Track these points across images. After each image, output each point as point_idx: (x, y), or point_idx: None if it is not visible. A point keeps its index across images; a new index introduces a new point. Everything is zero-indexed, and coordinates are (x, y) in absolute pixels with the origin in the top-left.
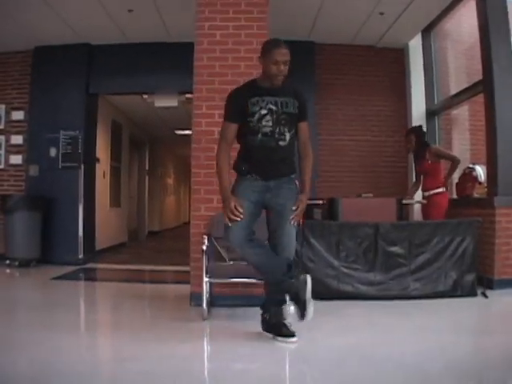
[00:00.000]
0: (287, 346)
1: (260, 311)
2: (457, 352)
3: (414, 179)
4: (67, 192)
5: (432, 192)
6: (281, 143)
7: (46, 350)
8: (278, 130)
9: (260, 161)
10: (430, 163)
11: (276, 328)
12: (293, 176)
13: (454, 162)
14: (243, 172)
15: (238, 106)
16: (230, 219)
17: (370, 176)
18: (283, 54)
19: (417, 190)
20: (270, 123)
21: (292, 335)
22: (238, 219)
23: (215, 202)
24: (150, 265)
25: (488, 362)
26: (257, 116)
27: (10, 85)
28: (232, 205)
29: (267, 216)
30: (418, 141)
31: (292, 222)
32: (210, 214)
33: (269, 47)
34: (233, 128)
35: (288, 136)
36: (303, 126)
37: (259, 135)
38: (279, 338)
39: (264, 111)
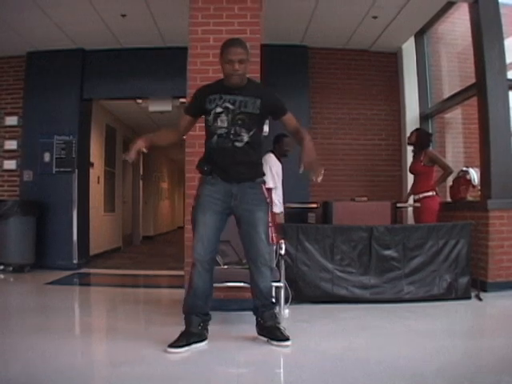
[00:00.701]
0: (281, 349)
1: (253, 315)
2: (451, 355)
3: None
4: (61, 197)
5: (422, 195)
6: (237, 144)
7: (40, 354)
8: (233, 131)
9: (218, 163)
10: (423, 165)
11: (270, 332)
12: (258, 181)
13: (446, 171)
14: (205, 171)
15: (197, 101)
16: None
17: (364, 180)
18: (237, 53)
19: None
20: (225, 123)
21: (286, 339)
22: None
23: None
24: (145, 269)
25: (482, 365)
26: (212, 115)
27: (3, 90)
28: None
29: (237, 225)
30: (418, 140)
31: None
32: None
33: (223, 47)
34: (187, 120)
35: (246, 137)
36: (286, 119)
37: (215, 137)
38: (274, 342)
39: (219, 109)
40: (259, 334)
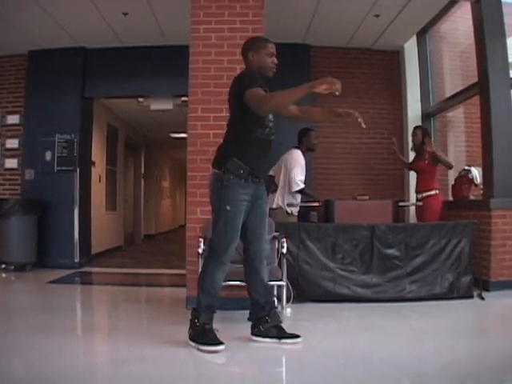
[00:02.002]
0: (283, 348)
1: (252, 318)
2: (454, 354)
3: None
4: (63, 196)
5: (425, 194)
6: (272, 137)
7: (43, 353)
8: (272, 129)
9: (260, 158)
10: (427, 163)
11: (281, 330)
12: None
13: (448, 167)
14: (242, 175)
15: (261, 82)
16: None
17: (366, 178)
18: (274, 47)
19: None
20: (272, 117)
21: (297, 336)
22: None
23: None
24: (146, 268)
25: (485, 364)
26: None
27: (5, 89)
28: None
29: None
30: (423, 137)
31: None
32: (206, 216)
33: (261, 41)
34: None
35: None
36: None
37: (266, 129)
38: (287, 341)
39: None
40: (263, 335)
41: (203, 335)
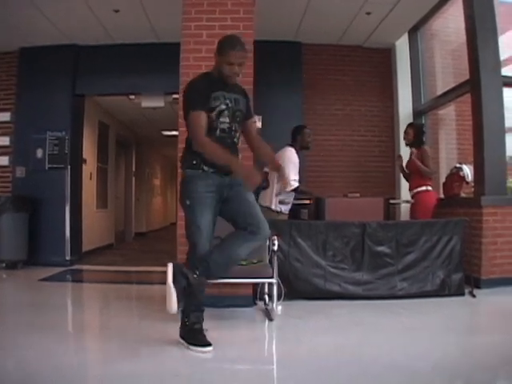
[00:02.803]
0: (275, 346)
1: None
2: (446, 351)
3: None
4: (54, 193)
5: (415, 191)
6: (235, 140)
7: (34, 351)
8: (233, 128)
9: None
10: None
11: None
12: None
13: (424, 172)
14: (194, 166)
15: (204, 96)
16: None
17: (357, 176)
18: (239, 57)
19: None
20: (228, 119)
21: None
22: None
23: None
24: (137, 266)
25: (476, 361)
26: (216, 111)
27: None
28: (249, 169)
29: (225, 208)
30: (415, 136)
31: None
32: None
33: (225, 47)
34: (205, 116)
35: (238, 134)
36: (252, 122)
37: (217, 131)
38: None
39: (223, 106)
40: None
41: (192, 335)
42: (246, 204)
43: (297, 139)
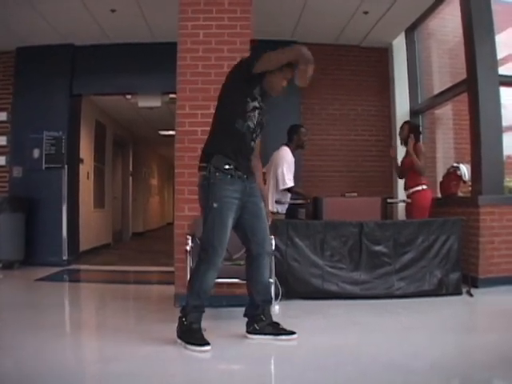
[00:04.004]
0: (272, 346)
1: (247, 314)
2: (443, 351)
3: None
4: (51, 193)
5: (411, 191)
6: (252, 144)
7: (31, 351)
8: (257, 130)
9: (241, 153)
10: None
11: (276, 328)
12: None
13: (418, 167)
14: (227, 171)
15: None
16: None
17: (355, 175)
18: (292, 73)
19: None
20: (254, 120)
21: (293, 332)
22: None
23: None
24: (135, 266)
25: (474, 361)
26: (252, 103)
27: None
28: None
29: (239, 221)
30: (409, 131)
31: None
32: (194, 214)
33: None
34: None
35: (257, 143)
36: (258, 142)
37: (246, 124)
38: (283, 337)
39: (257, 104)
40: (259, 333)
41: (190, 334)
42: (257, 220)
43: (293, 138)
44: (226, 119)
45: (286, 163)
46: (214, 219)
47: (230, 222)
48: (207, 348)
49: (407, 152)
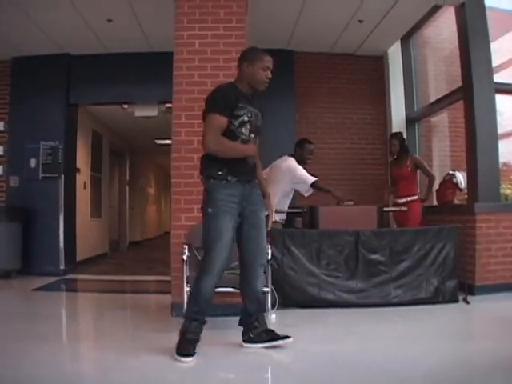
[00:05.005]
0: (269, 354)
1: (242, 323)
2: (440, 358)
3: (390, 184)
4: (48, 203)
5: (409, 199)
6: (253, 140)
7: (27, 361)
8: (252, 141)
9: (235, 163)
10: (410, 170)
11: (271, 334)
12: (257, 181)
13: (431, 179)
14: (220, 176)
15: (230, 102)
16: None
17: (351, 184)
18: (270, 61)
19: (391, 194)
20: (247, 132)
21: (288, 336)
22: None
23: (195, 211)
24: (132, 275)
25: (471, 369)
26: (239, 120)
27: None
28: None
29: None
30: (401, 146)
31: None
32: (191, 223)
33: (258, 53)
34: (224, 122)
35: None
36: (257, 141)
37: (239, 140)
38: (280, 342)
39: (246, 118)
40: (254, 341)
41: (180, 343)
42: (254, 230)
43: (297, 151)
44: None
45: (298, 169)
46: (210, 224)
47: (229, 226)
48: (188, 360)
49: (398, 163)
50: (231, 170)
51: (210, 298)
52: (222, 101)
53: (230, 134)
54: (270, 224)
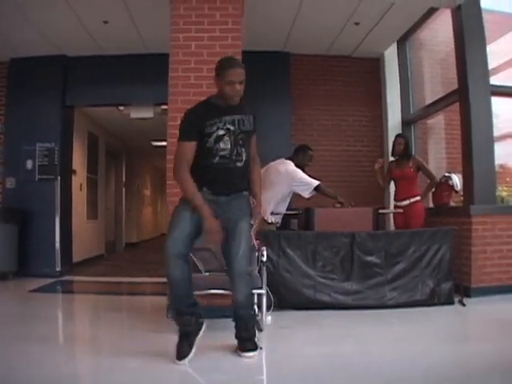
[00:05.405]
0: (265, 357)
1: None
2: (436, 360)
3: (386, 184)
4: (44, 204)
5: (413, 200)
6: (238, 164)
7: (23, 363)
8: (235, 152)
9: (214, 180)
10: (413, 171)
11: (241, 342)
12: (244, 193)
13: (432, 181)
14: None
15: (196, 126)
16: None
17: (346, 186)
18: (238, 74)
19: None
20: (228, 145)
21: (252, 349)
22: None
23: None
24: (128, 277)
25: (466, 370)
26: (214, 137)
27: None
28: (214, 224)
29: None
30: (406, 146)
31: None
32: None
33: (223, 67)
34: (192, 147)
35: (244, 156)
36: (254, 140)
37: (216, 158)
38: (240, 353)
39: (221, 132)
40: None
41: (177, 343)
42: (230, 240)
43: (298, 155)
44: (196, 156)
45: (297, 172)
46: (175, 212)
47: (189, 216)
48: (180, 362)
49: (399, 165)
50: (203, 184)
51: (183, 283)
52: (187, 126)
53: (207, 152)
54: (253, 231)
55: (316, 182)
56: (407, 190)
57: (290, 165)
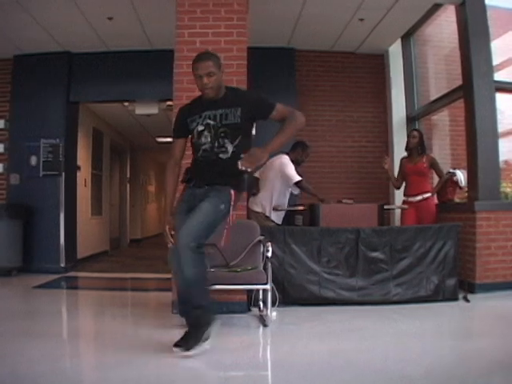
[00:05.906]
0: (269, 352)
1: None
2: (440, 356)
3: (397, 178)
4: (48, 200)
5: (425, 196)
6: (221, 156)
7: (28, 358)
8: (217, 144)
9: (199, 173)
10: (425, 166)
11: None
12: (226, 187)
13: (442, 178)
14: (184, 179)
15: (182, 123)
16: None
17: (351, 182)
18: (204, 68)
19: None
20: (209, 139)
21: (184, 348)
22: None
23: None
24: (132, 273)
25: (470, 366)
26: (195, 133)
27: None
28: (166, 228)
29: None
30: (420, 139)
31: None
32: None
33: (193, 63)
34: (179, 143)
35: (231, 147)
36: (276, 114)
37: (200, 152)
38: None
39: (201, 127)
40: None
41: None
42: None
43: (296, 151)
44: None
45: (289, 165)
46: None
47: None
48: (174, 349)
49: (412, 160)
50: (192, 177)
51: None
52: (174, 124)
53: (194, 147)
54: (251, 158)
55: (297, 178)
56: (420, 186)
57: (285, 159)
